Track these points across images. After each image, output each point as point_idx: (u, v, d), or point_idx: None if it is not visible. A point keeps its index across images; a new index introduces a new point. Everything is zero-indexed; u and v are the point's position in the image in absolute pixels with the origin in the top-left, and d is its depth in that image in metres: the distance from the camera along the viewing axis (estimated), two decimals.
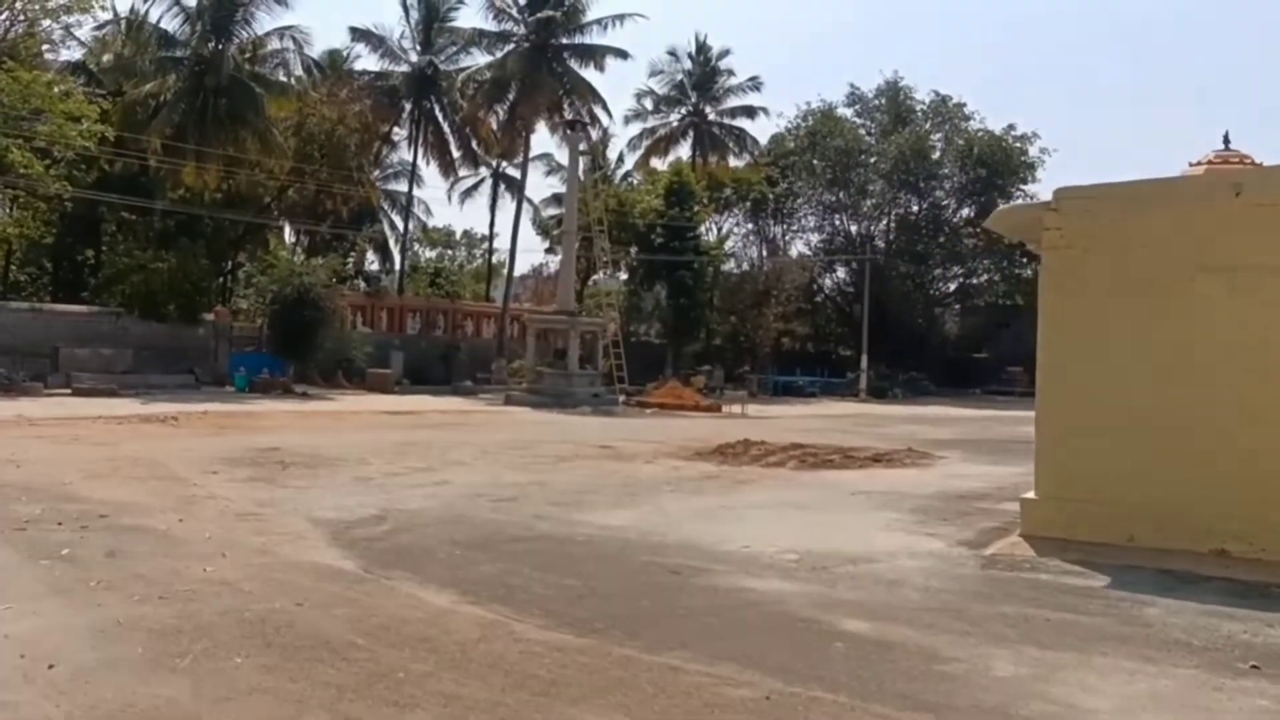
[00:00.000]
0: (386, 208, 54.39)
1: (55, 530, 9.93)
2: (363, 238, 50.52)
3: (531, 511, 12.28)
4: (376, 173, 51.24)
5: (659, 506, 13.04)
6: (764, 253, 59.47)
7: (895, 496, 14.55)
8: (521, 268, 70.24)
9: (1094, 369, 11.02)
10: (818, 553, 10.03)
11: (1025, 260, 61.90)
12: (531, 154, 53.57)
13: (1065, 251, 11.15)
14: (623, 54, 44.47)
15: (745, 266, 56.35)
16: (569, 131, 38.21)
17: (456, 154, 50.51)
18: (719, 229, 55.83)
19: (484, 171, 57.35)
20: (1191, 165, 30.67)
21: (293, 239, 53.67)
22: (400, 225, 53.69)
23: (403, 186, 52.94)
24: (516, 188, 57.05)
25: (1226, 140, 43.59)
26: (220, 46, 39.72)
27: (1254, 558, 9.83)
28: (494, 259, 60.58)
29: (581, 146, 39.12)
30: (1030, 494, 11.37)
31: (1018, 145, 60.14)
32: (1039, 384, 11.47)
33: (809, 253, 62.39)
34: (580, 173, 38.71)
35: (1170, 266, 10.66)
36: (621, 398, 35.92)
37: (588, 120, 41.92)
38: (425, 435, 21.98)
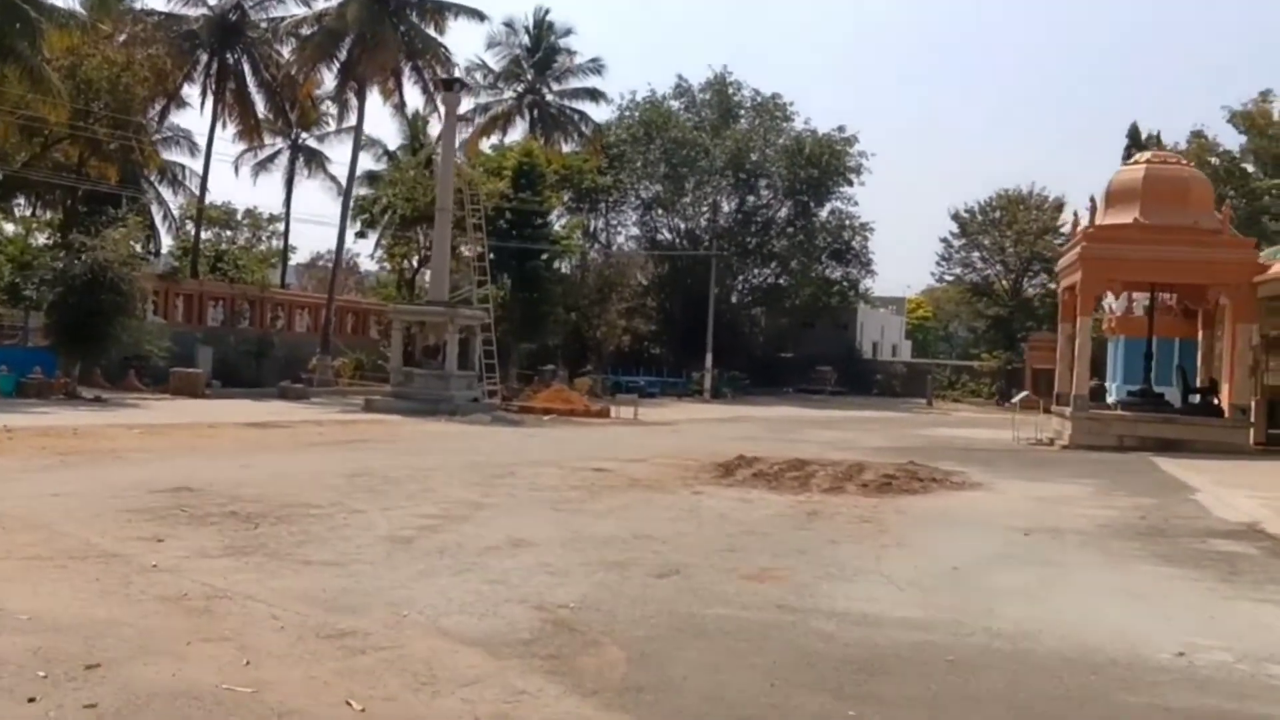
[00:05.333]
0: (154, 179, 46.40)
1: None
2: (133, 212, 42.69)
3: (738, 593, 8.15)
4: (155, 136, 43.57)
5: (879, 571, 9.19)
6: (592, 246, 55.36)
7: (1083, 537, 11.67)
8: (309, 251, 63.75)
9: None
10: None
11: (834, 262, 60.99)
12: (341, 126, 47.65)
13: None
14: (479, 14, 39.36)
15: (577, 260, 51.87)
16: (445, 91, 32.79)
17: (264, 117, 43.70)
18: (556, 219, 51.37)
19: (280, 142, 50.62)
20: (1127, 165, 29.18)
21: (28, 210, 44.73)
22: (170, 199, 46.23)
23: (176, 155, 45.71)
24: (322, 161, 51.03)
25: (1147, 140, 42.55)
26: None
27: None
28: (286, 241, 53.53)
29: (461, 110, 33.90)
30: None
31: (840, 147, 58.60)
32: None
33: (633, 247, 58.95)
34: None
35: None
36: (497, 401, 31.04)
37: (466, 81, 36.64)
38: (352, 459, 16.93)
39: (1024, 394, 29.17)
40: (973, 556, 10.12)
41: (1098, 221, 26.07)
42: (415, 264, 45.64)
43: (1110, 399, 27.59)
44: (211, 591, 7.42)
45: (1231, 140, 47.64)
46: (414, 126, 48.13)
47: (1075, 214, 29.82)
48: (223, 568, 8.21)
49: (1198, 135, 46.55)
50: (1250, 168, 45.38)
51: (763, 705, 5.49)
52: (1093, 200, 26.93)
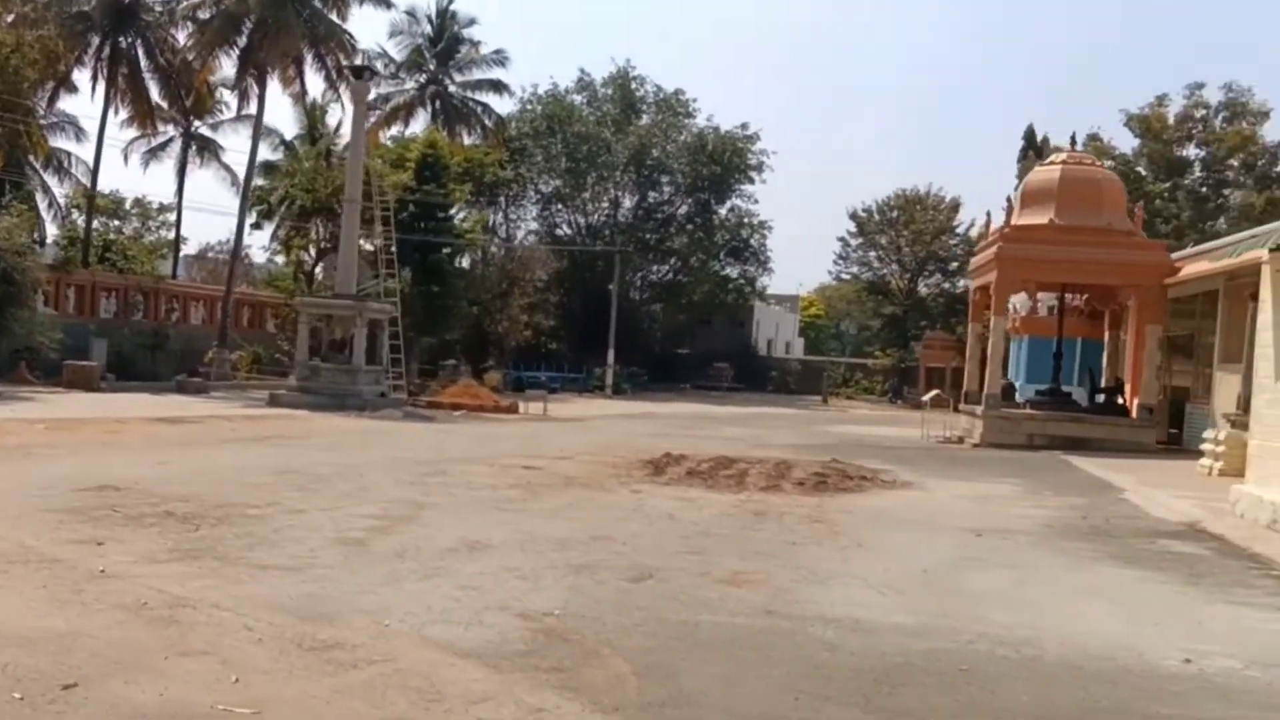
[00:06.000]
0: (39, 166, 44.51)
1: None
2: (17, 199, 40.88)
3: (721, 599, 7.89)
4: (42, 121, 41.68)
5: (852, 574, 8.98)
6: (491, 240, 54.61)
7: (1033, 538, 11.64)
8: (198, 243, 61.93)
9: None
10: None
11: (732, 260, 61.36)
12: (238, 114, 46.22)
13: None
14: (384, 1, 38.38)
15: (479, 254, 51.09)
16: (355, 79, 31.74)
17: (157, 104, 42.02)
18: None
19: (173, 130, 48.82)
20: (1042, 165, 29.67)
21: None
22: (56, 187, 44.36)
23: (62, 141, 43.83)
24: (215, 149, 49.47)
25: (1043, 143, 43.38)
26: None
27: None
28: (178, 232, 51.69)
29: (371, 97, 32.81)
30: None
31: (742, 145, 58.84)
32: None
33: (532, 241, 58.34)
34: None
35: None
36: (404, 396, 30.28)
37: (376, 69, 35.47)
38: (272, 456, 16.30)
39: (934, 392, 29.56)
40: (936, 558, 10.02)
41: (1013, 222, 26.41)
42: (314, 256, 44.48)
43: (1019, 398, 27.95)
44: (172, 600, 6.90)
45: (1127, 143, 49.02)
46: (312, 116, 46.89)
47: (988, 214, 30.26)
48: (175, 573, 7.68)
49: (1094, 138, 47.67)
50: (1143, 171, 46.62)
51: None
52: (1009, 200, 27.31)
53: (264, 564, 8.20)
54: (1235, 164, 47.25)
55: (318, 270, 44.07)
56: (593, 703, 5.35)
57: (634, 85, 59.81)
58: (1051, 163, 28.46)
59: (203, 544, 8.81)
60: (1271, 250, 12.98)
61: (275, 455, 16.33)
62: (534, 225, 60.52)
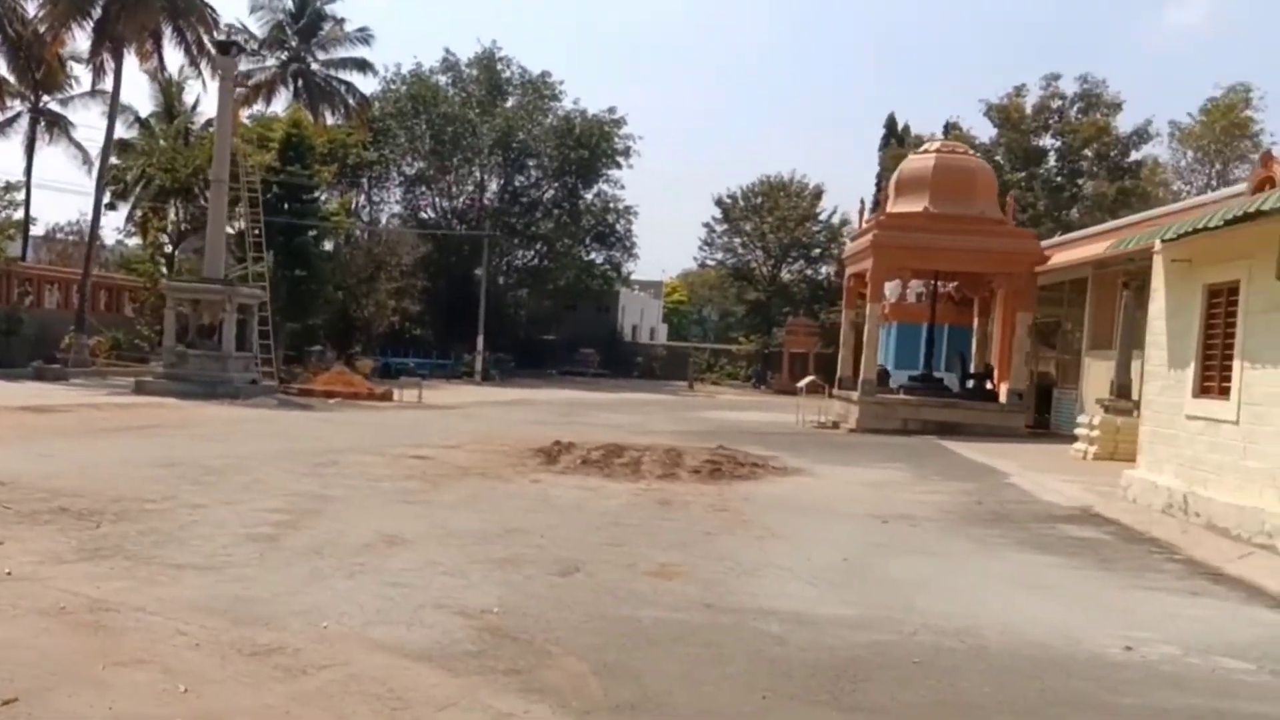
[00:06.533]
0: None
1: None
2: None
3: (655, 593, 7.82)
4: None
5: (776, 565, 9.04)
6: (355, 223, 53.34)
7: (938, 524, 11.84)
8: (46, 224, 59.10)
9: None
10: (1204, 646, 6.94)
11: (599, 245, 61.36)
12: (92, 89, 44.10)
13: None
14: None
15: (344, 237, 49.74)
16: (221, 55, 30.44)
17: (3, 78, 39.79)
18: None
19: (19, 105, 46.31)
20: (916, 153, 30.25)
21: None
22: None
23: None
24: (65, 126, 47.13)
25: (903, 131, 44.26)
26: None
27: None
28: (27, 212, 49.04)
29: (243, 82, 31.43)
30: None
31: (610, 129, 58.68)
32: None
33: (396, 224, 57.20)
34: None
35: None
36: (274, 383, 29.34)
37: (243, 45, 33.93)
38: (155, 447, 15.57)
39: (810, 378, 29.92)
40: (852, 547, 10.10)
41: (889, 209, 26.87)
42: (175, 238, 42.84)
43: (892, 383, 28.52)
44: (91, 603, 6.51)
45: (986, 133, 50.19)
46: (168, 93, 45.14)
47: (862, 201, 30.76)
48: (86, 574, 7.25)
49: (954, 127, 48.79)
50: (1001, 160, 47.92)
51: None
52: (886, 187, 27.75)
53: (178, 563, 7.81)
54: (1089, 154, 48.65)
55: (178, 253, 42.37)
56: (561, 706, 5.20)
57: (500, 67, 58.96)
58: (925, 151, 28.95)
59: (108, 542, 8.34)
60: (1164, 241, 13.41)
61: (158, 446, 15.60)
62: (398, 208, 59.47)
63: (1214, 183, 46.71)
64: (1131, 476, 14.00)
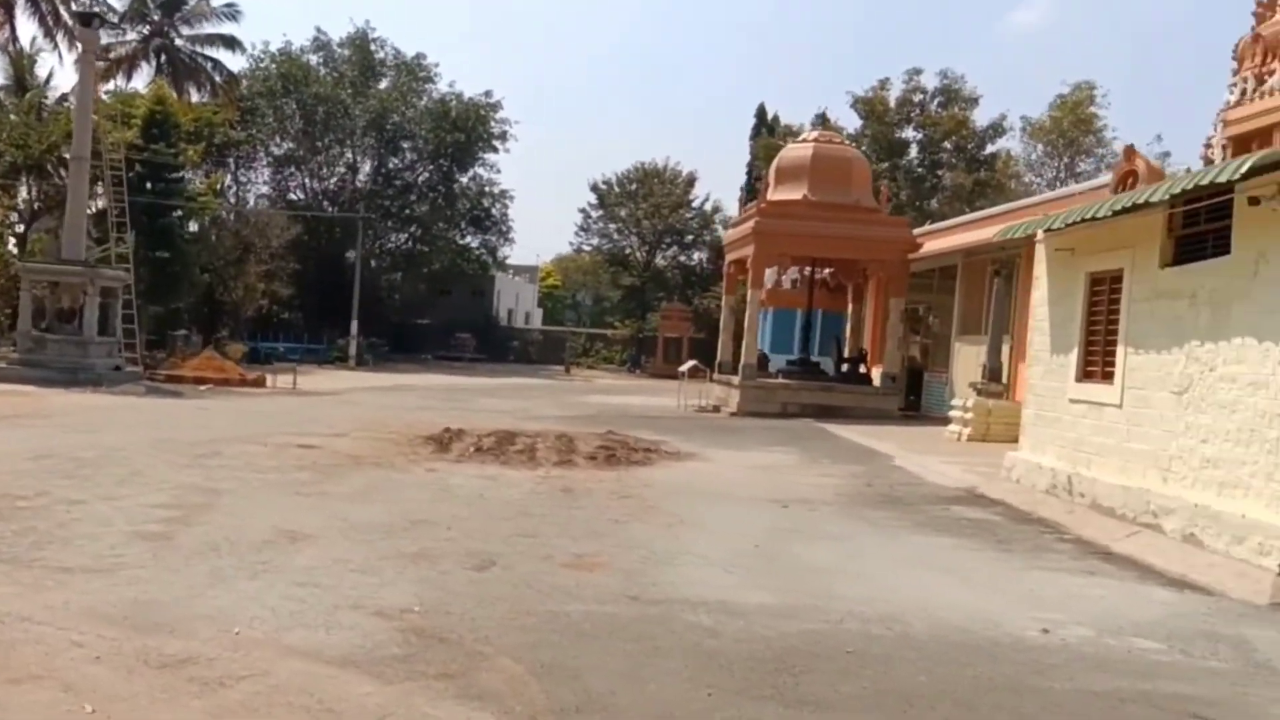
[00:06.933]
0: None
1: None
2: None
3: (577, 586, 7.63)
4: None
5: (691, 553, 8.94)
6: (221, 204, 51.64)
7: (835, 507, 11.92)
8: None
9: None
10: (1114, 626, 7.18)
11: (474, 229, 60.74)
12: None
13: None
14: None
15: (210, 218, 48.05)
16: (83, 26, 28.91)
17: None
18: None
19: None
20: (795, 142, 30.59)
21: None
22: None
23: None
24: None
25: (773, 121, 44.91)
26: None
27: None
28: None
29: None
30: None
31: (486, 113, 57.97)
32: None
33: (264, 205, 55.56)
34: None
35: None
36: (140, 369, 28.14)
37: (105, 17, 32.18)
38: (19, 438, 14.67)
39: (692, 363, 30.04)
40: (760, 532, 10.09)
41: (769, 197, 27.06)
42: (28, 217, 40.83)
43: (771, 368, 28.81)
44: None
45: (852, 124, 51.13)
46: (19, 65, 42.97)
47: (742, 189, 30.98)
48: None
49: (822, 119, 49.56)
50: (867, 150, 48.85)
51: None
52: (762, 176, 27.98)
53: (65, 566, 7.34)
54: (949, 147, 50.12)
55: (30, 233, 40.39)
56: (504, 712, 5.02)
57: (374, 47, 57.65)
58: (804, 140, 29.36)
59: None
60: (1046, 231, 13.75)
61: (22, 437, 14.76)
62: (266, 189, 57.78)
63: (1063, 175, 48.50)
64: (1015, 458, 14.33)
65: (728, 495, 12.68)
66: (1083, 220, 12.07)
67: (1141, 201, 10.59)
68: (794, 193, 26.72)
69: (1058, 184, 46.93)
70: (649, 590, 7.46)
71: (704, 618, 6.77)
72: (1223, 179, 8.96)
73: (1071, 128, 47.88)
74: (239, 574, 7.40)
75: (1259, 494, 9.08)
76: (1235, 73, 15.84)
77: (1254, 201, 9.16)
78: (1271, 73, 15.11)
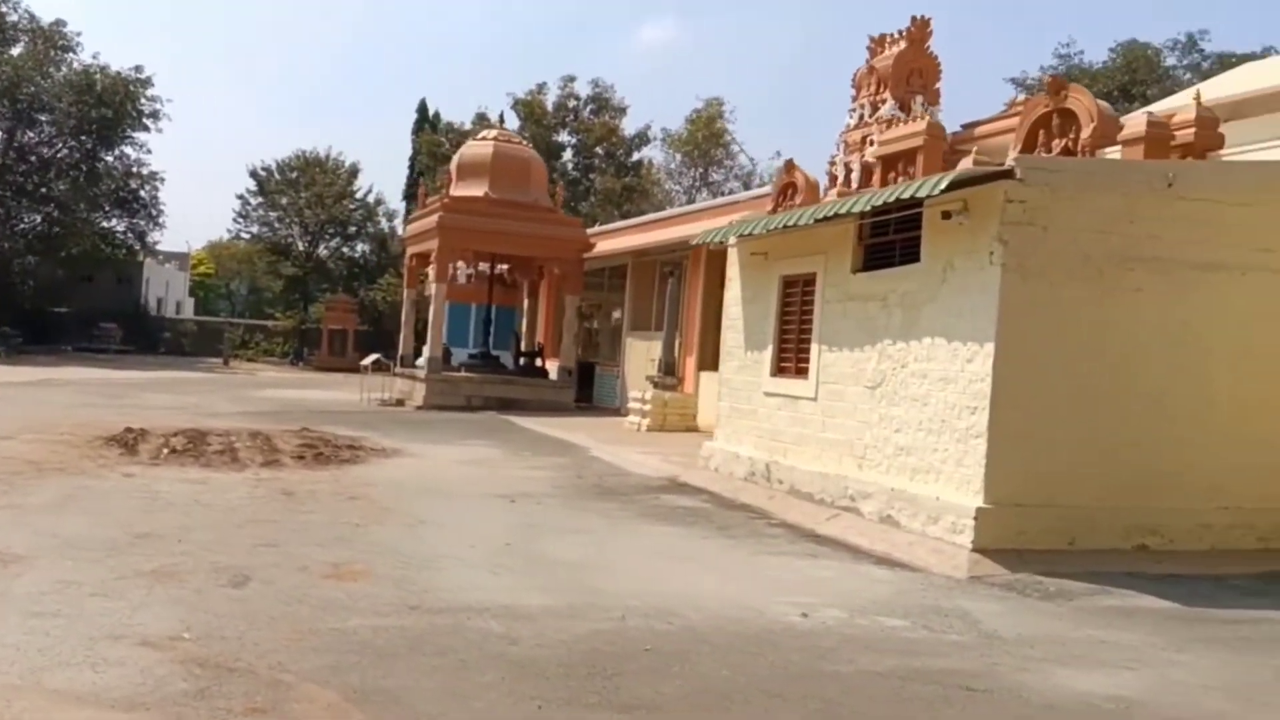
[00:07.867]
0: None
1: None
2: None
3: (350, 598, 7.43)
4: None
5: (450, 555, 8.92)
6: None
7: (558, 500, 12.22)
8: None
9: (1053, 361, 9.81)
10: (867, 606, 7.91)
11: (120, 212, 56.89)
12: None
13: (1026, 229, 9.60)
14: None
15: None
16: None
17: None
18: None
19: None
20: (476, 140, 30.72)
21: None
22: None
23: None
24: None
25: (434, 118, 45.02)
26: None
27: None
28: None
29: None
30: (976, 500, 9.59)
31: (135, 89, 54.19)
32: (995, 376, 9.64)
33: None
34: None
35: (1112, 255, 9.92)
36: None
37: None
38: None
39: (375, 356, 29.55)
40: (503, 530, 10.17)
41: (452, 192, 27.15)
42: None
43: (453, 361, 28.93)
44: None
45: (512, 125, 51.89)
46: None
47: (424, 183, 30.91)
48: None
49: (482, 118, 50.10)
50: None
51: None
52: (449, 171, 28.10)
53: None
54: (600, 152, 52.44)
55: None
56: None
57: (5, 9, 52.29)
58: (484, 138, 29.74)
59: None
60: (739, 236, 14.62)
61: None
62: None
63: (698, 183, 52.15)
64: (712, 448, 15.19)
65: (453, 492, 12.71)
66: (784, 228, 12.95)
67: (844, 211, 11.51)
68: (476, 189, 27.01)
69: (694, 192, 50.65)
70: (426, 599, 7.40)
71: (494, 624, 6.80)
72: (922, 194, 9.90)
73: (705, 140, 50.79)
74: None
75: (950, 478, 10.12)
76: (854, 99, 17.66)
77: (946, 215, 10.18)
78: (884, 101, 16.97)
